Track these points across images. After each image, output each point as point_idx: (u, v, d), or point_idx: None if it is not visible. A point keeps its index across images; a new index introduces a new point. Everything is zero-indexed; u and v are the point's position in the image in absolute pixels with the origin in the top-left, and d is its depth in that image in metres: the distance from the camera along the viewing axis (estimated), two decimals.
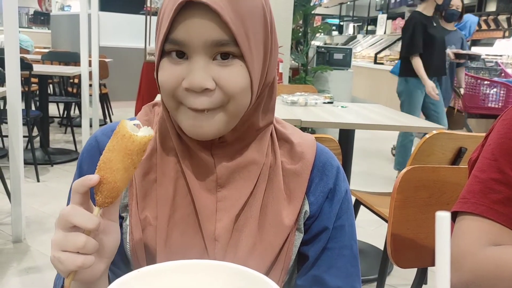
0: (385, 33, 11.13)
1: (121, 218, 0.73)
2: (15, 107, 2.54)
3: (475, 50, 7.20)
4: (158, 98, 2.42)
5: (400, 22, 10.81)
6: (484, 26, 7.62)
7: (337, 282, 0.73)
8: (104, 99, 5.74)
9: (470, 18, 5.83)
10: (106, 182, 0.54)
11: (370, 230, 2.85)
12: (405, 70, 4.00)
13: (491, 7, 9.10)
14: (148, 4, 7.13)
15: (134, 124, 0.57)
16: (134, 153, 0.55)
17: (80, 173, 0.76)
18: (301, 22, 5.52)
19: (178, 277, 0.53)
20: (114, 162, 0.54)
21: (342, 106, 2.64)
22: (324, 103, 2.69)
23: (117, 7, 7.92)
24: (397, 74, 4.25)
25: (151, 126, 0.74)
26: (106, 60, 5.69)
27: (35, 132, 4.30)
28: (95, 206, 0.57)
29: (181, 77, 0.63)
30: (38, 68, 3.95)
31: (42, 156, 4.12)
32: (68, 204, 0.71)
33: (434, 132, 1.74)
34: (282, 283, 0.73)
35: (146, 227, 0.69)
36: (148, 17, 6.04)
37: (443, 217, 0.28)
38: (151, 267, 0.53)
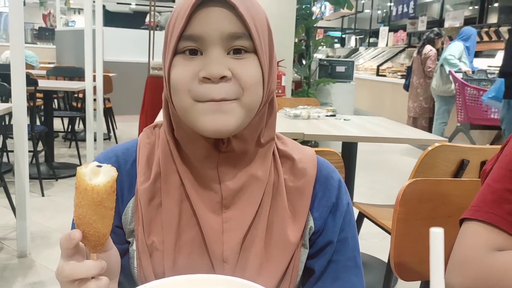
0: (387, 45, 11.19)
1: (128, 243, 0.74)
2: (21, 122, 2.57)
3: (477, 61, 7.23)
4: (158, 119, 2.44)
5: (402, 35, 10.88)
6: (485, 38, 7.63)
7: None
8: (108, 113, 5.77)
9: (472, 31, 5.88)
10: (89, 235, 0.55)
11: (374, 242, 2.85)
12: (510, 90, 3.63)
13: (493, 19, 9.14)
14: (150, 19, 7.22)
15: (97, 166, 0.55)
16: (104, 200, 0.54)
17: None
18: (303, 35, 5.57)
19: None
20: (89, 216, 0.54)
21: (344, 119, 2.66)
22: (327, 116, 2.71)
23: (119, 22, 8.01)
24: (498, 98, 3.90)
25: (153, 149, 0.74)
26: (110, 74, 5.74)
27: (40, 146, 4.32)
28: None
29: (197, 70, 0.64)
30: (43, 84, 4.00)
31: (46, 171, 4.14)
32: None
33: (436, 144, 1.75)
34: None
35: (153, 252, 0.70)
36: (152, 31, 6.10)
37: (436, 233, 0.29)
38: (160, 281, 0.54)
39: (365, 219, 2.11)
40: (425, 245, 1.21)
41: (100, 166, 0.55)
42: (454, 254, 0.79)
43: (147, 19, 7.16)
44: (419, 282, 1.34)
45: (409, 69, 6.69)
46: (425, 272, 1.18)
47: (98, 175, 0.54)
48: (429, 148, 1.73)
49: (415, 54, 6.46)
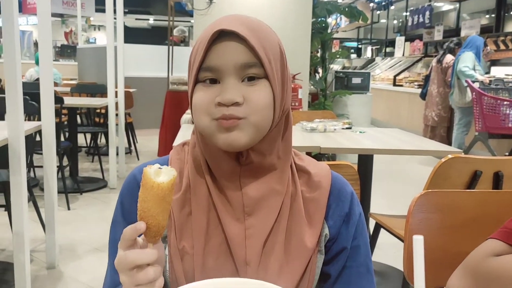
0: (403, 55, 11.20)
1: None
2: (50, 139, 2.69)
3: (494, 70, 7.21)
4: (180, 133, 2.52)
5: (418, 44, 10.89)
6: (502, 46, 7.63)
7: None
8: (129, 128, 5.92)
9: (478, 39, 5.89)
10: (151, 226, 0.64)
11: (392, 252, 2.89)
12: None
13: (509, 27, 9.12)
14: (175, 34, 7.39)
15: (159, 168, 0.65)
16: (166, 195, 0.63)
17: (122, 208, 0.85)
18: (319, 47, 5.64)
19: None
20: (153, 210, 0.63)
21: (360, 132, 2.72)
22: (343, 128, 2.77)
23: (138, 38, 8.20)
24: None
25: (183, 164, 0.84)
26: (131, 90, 5.89)
27: (65, 161, 4.47)
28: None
29: (214, 96, 0.73)
30: (68, 101, 4.15)
31: (71, 185, 4.28)
32: (114, 239, 0.83)
33: (450, 156, 1.80)
34: None
35: (184, 256, 0.78)
36: (171, 47, 6.26)
37: (417, 240, 0.37)
38: (193, 284, 0.62)
39: (382, 230, 2.16)
40: (437, 254, 1.28)
41: (160, 168, 0.65)
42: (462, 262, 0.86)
43: (174, 33, 7.34)
44: None
45: (427, 78, 6.70)
46: (437, 279, 1.23)
47: (160, 175, 0.64)
48: (443, 160, 1.78)
49: (434, 63, 6.46)
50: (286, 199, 0.80)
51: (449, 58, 6.15)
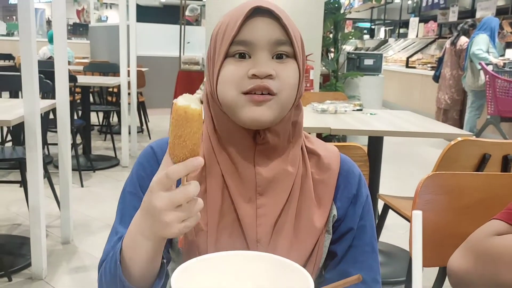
0: (417, 36, 11.06)
1: None
2: (64, 118, 2.74)
3: (509, 52, 7.11)
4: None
5: (433, 25, 10.74)
6: None
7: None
8: (141, 107, 5.96)
9: (493, 20, 5.81)
10: (189, 149, 0.63)
11: (400, 233, 2.92)
12: None
13: None
14: (188, 13, 7.35)
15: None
16: (200, 118, 0.62)
17: (138, 178, 0.85)
18: (332, 27, 5.60)
19: (231, 263, 0.65)
20: (188, 130, 0.62)
21: (371, 113, 2.73)
22: (354, 110, 2.78)
23: (149, 16, 8.17)
24: None
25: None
26: (143, 69, 5.92)
27: (78, 139, 4.53)
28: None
29: (246, 70, 0.75)
30: (81, 79, 4.19)
31: (84, 163, 4.35)
32: (124, 202, 0.84)
33: (459, 139, 1.81)
34: (314, 277, 0.85)
35: (198, 232, 0.80)
36: (183, 26, 6.25)
37: (416, 215, 0.39)
38: (209, 255, 0.65)
39: (390, 211, 2.19)
40: (443, 235, 1.30)
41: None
42: (464, 242, 0.89)
43: (187, 13, 7.28)
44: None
45: (440, 60, 6.63)
46: (442, 259, 1.26)
47: (191, 104, 0.62)
48: (452, 143, 1.79)
49: (447, 45, 6.39)
50: (297, 180, 0.82)
51: (463, 40, 6.08)
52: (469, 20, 6.51)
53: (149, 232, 0.66)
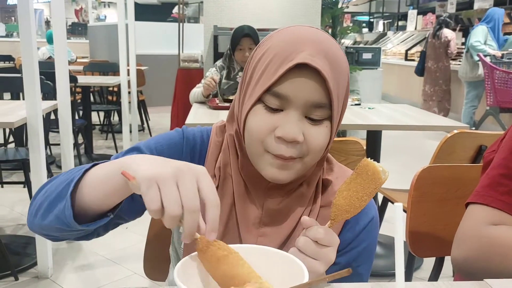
0: (415, 29, 11.06)
1: None
2: (66, 118, 2.77)
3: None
4: (192, 115, 2.54)
5: (431, 18, 10.73)
6: None
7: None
8: (141, 106, 5.99)
9: (496, 12, 5.83)
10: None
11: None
12: None
13: None
14: (177, 11, 7.35)
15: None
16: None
17: (156, 149, 0.79)
18: (330, 22, 5.60)
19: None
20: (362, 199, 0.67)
21: (369, 108, 2.76)
22: (352, 105, 2.81)
23: (147, 14, 8.18)
24: None
25: (219, 151, 0.81)
26: (142, 68, 5.94)
27: (80, 139, 4.57)
28: None
29: (274, 126, 0.71)
30: (81, 80, 4.21)
31: (86, 162, 4.38)
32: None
33: (455, 131, 1.84)
34: None
35: None
36: (181, 24, 6.26)
37: (397, 206, 0.42)
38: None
39: (389, 204, 2.22)
40: (439, 224, 1.33)
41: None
42: (456, 232, 0.92)
43: (174, 10, 7.28)
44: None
45: (423, 53, 6.69)
46: (438, 249, 1.30)
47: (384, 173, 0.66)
48: (448, 135, 1.82)
49: (429, 39, 6.47)
50: (306, 211, 0.80)
51: (447, 31, 6.17)
52: (447, 13, 6.64)
53: (135, 171, 0.59)
